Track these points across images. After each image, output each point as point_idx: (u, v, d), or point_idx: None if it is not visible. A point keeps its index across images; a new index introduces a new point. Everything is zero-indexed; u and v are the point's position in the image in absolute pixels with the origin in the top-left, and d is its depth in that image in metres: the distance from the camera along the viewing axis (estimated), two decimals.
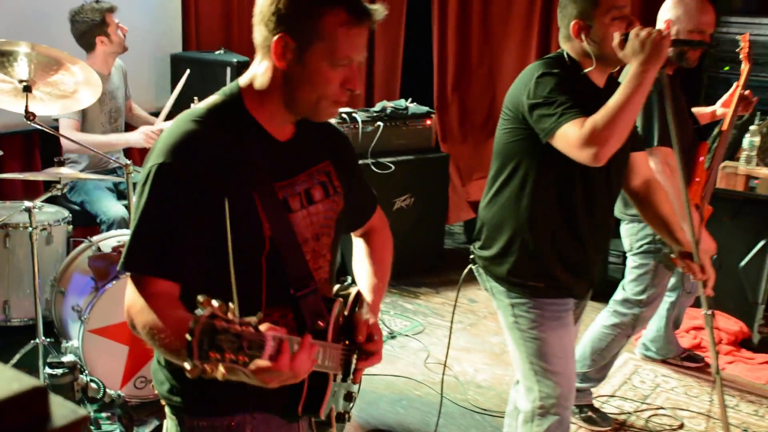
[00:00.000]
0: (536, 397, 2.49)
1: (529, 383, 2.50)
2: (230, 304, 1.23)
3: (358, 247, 2.00)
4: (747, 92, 3.44)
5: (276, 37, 1.55)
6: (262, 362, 1.27)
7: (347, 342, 1.73)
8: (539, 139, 2.28)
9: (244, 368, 1.24)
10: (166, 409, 1.74)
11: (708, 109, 3.67)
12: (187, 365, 1.19)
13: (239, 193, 1.56)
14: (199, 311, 1.20)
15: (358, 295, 1.82)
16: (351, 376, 1.75)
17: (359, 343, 1.73)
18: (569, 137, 2.17)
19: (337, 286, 1.83)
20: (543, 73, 2.30)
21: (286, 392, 1.64)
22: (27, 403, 0.74)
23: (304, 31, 1.55)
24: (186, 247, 1.54)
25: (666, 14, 3.15)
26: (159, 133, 3.98)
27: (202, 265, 1.56)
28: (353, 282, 1.89)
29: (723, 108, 3.59)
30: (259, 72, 1.63)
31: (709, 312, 2.51)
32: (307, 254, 1.69)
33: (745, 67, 3.42)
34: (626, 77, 2.16)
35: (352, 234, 2.01)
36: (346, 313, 1.75)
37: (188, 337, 1.18)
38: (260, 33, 1.59)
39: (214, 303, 1.21)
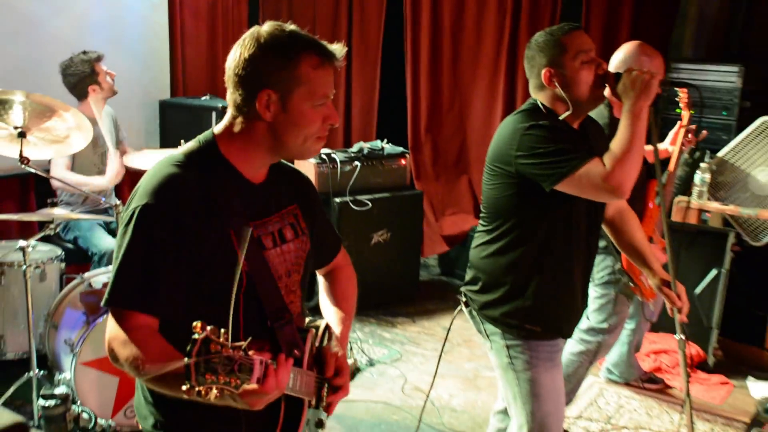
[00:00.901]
0: None
1: (521, 421, 2.46)
2: (222, 330, 1.25)
3: (324, 283, 2.02)
4: (692, 126, 3.61)
5: (259, 94, 1.58)
6: (251, 386, 1.29)
7: (318, 373, 1.75)
8: (533, 191, 2.24)
9: (235, 390, 1.25)
10: None
11: (660, 147, 3.73)
12: (183, 387, 1.21)
13: (217, 231, 1.57)
14: (195, 336, 1.21)
15: (327, 327, 1.82)
16: (323, 404, 1.75)
17: (328, 377, 1.74)
18: (592, 175, 2.15)
19: (308, 320, 1.84)
20: (530, 125, 2.25)
21: (263, 420, 1.64)
22: None
23: (284, 81, 1.58)
24: (166, 283, 1.55)
25: (632, 62, 3.16)
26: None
27: (181, 300, 1.57)
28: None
29: (671, 145, 3.68)
30: (237, 125, 1.64)
31: (683, 337, 2.55)
32: (281, 289, 1.70)
33: (685, 113, 3.59)
34: (623, 114, 2.21)
35: (318, 272, 2.03)
36: (316, 344, 1.77)
37: (186, 359, 1.20)
38: (238, 94, 1.61)
39: (208, 328, 1.23)
